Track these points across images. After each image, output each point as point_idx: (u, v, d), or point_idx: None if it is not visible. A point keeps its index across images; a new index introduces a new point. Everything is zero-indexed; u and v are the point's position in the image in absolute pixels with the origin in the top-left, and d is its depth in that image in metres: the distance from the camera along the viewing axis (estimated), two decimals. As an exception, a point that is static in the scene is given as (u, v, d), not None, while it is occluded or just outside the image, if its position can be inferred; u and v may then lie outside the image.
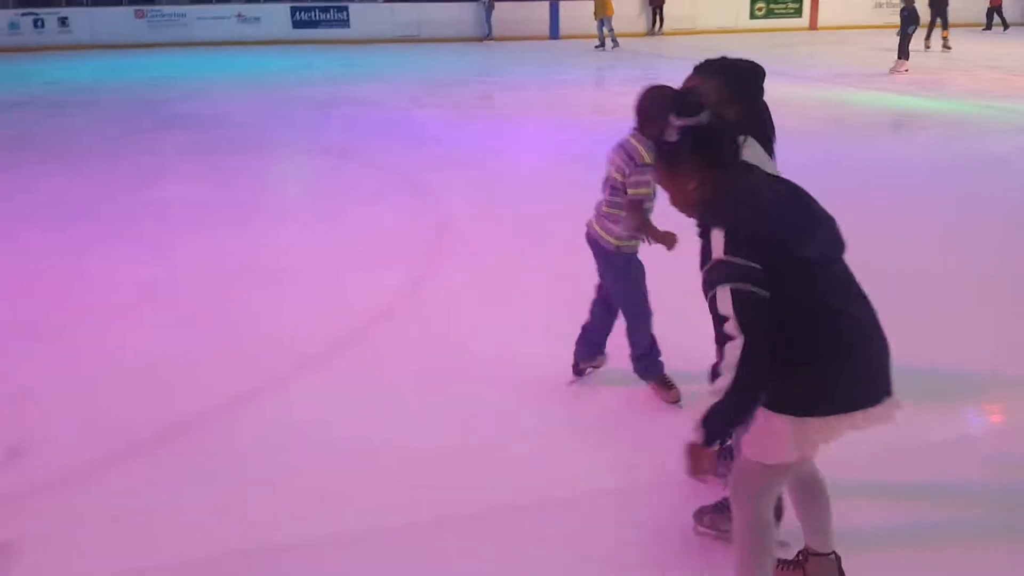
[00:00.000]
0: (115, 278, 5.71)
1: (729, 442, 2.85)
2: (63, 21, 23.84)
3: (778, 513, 2.80)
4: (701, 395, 2.21)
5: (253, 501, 3.19)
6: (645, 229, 3.45)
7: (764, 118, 2.58)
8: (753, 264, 2.01)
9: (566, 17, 24.95)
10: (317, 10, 24.94)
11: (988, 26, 24.39)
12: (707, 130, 2.14)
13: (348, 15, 24.94)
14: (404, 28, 24.75)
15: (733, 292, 2.01)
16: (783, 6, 27.33)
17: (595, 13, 21.60)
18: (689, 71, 2.77)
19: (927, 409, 3.63)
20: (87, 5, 24.17)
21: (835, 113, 11.71)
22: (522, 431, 3.64)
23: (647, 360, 3.79)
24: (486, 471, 3.32)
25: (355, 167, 9.12)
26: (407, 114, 12.40)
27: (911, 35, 15.30)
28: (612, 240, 3.56)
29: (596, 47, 21.56)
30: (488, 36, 24.35)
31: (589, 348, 3.95)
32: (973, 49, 18.72)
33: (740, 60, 2.61)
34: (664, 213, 2.70)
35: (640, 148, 3.35)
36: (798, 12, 27.44)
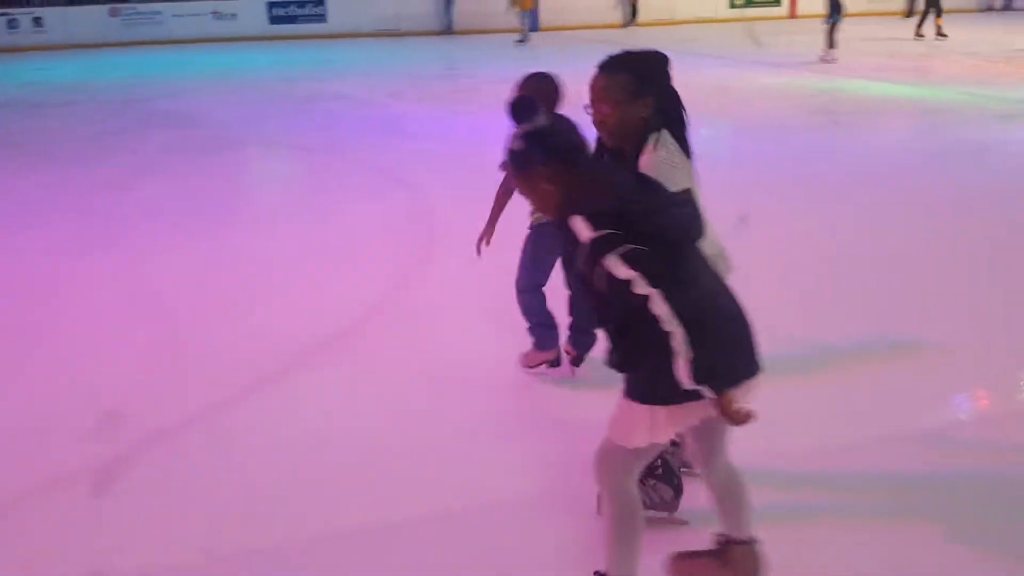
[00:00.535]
0: (96, 279, 5.66)
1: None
2: (37, 21, 23.61)
3: (678, 491, 2.86)
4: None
5: (237, 502, 3.19)
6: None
7: (675, 106, 2.57)
8: (620, 233, 2.07)
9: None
10: (294, 5, 24.82)
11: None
12: (548, 130, 2.24)
13: (326, 10, 24.83)
14: (383, 22, 24.67)
15: (624, 256, 2.05)
16: (762, -6, 27.42)
17: (518, 4, 20.92)
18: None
19: (914, 395, 3.66)
20: (62, 4, 23.92)
21: (813, 102, 11.77)
22: (522, 430, 3.63)
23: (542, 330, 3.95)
24: (486, 472, 3.32)
25: (338, 163, 9.09)
26: (387, 109, 12.36)
27: (833, 25, 15.34)
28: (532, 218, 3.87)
29: (517, 41, 20.66)
30: (449, 29, 24.15)
31: (584, 336, 3.95)
32: (952, 35, 18.82)
33: (643, 51, 2.60)
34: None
35: None
36: (777, 2, 27.53)
